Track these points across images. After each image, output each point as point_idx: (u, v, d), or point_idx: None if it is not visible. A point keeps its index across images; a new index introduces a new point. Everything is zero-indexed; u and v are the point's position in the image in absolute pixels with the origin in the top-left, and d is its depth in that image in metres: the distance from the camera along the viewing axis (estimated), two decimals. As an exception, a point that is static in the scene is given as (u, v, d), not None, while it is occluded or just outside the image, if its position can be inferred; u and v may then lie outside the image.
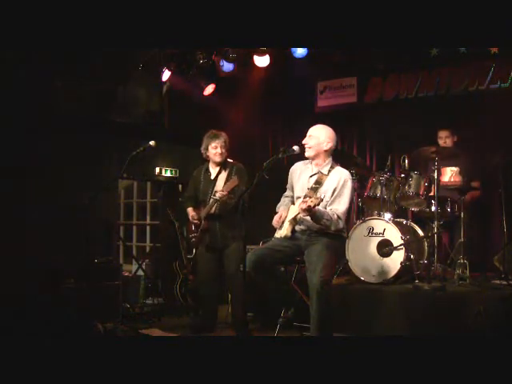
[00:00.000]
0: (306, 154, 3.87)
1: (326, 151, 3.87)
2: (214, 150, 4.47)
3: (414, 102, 5.88)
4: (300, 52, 5.29)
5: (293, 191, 4.03)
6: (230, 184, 4.28)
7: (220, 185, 4.48)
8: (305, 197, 3.71)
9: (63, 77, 5.06)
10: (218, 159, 4.50)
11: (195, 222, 4.52)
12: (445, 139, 5.17)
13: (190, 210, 4.59)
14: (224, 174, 4.54)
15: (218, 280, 4.62)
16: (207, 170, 4.58)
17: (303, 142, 3.86)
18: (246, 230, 3.77)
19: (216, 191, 4.35)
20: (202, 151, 4.56)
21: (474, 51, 5.23)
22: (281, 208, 4.00)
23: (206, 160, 4.61)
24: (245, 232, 3.83)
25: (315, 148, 3.85)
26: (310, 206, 3.44)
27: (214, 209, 4.44)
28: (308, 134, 3.88)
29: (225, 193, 4.27)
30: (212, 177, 4.55)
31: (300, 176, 3.97)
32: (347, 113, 6.34)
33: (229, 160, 4.59)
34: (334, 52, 5.49)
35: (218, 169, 4.55)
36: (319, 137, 3.85)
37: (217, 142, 4.46)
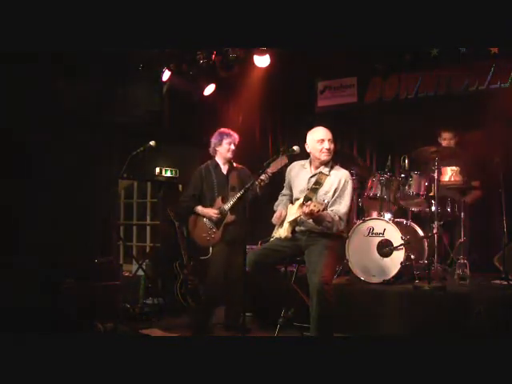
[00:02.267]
0: (326, 159, 3.83)
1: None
2: (228, 145, 4.54)
3: (413, 101, 5.89)
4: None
5: (290, 190, 4.03)
6: (278, 164, 4.07)
7: (234, 181, 4.51)
8: (306, 199, 3.71)
9: (63, 77, 5.06)
10: (230, 155, 4.56)
11: (217, 216, 4.42)
12: (449, 141, 5.18)
13: (200, 208, 4.51)
14: (235, 172, 4.59)
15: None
16: (218, 166, 4.59)
17: (327, 147, 3.79)
18: (246, 229, 3.78)
19: (265, 172, 4.06)
20: (213, 146, 4.58)
21: (474, 51, 5.23)
22: (279, 207, 4.00)
23: (213, 156, 4.63)
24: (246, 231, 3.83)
25: (332, 153, 3.86)
26: (312, 211, 3.44)
27: (236, 201, 4.38)
28: (327, 137, 3.81)
29: (269, 174, 4.11)
30: (224, 172, 4.57)
31: (298, 176, 3.96)
32: (347, 113, 6.34)
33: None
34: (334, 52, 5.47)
35: (227, 166, 4.60)
36: (333, 140, 3.85)
37: (231, 139, 4.55)
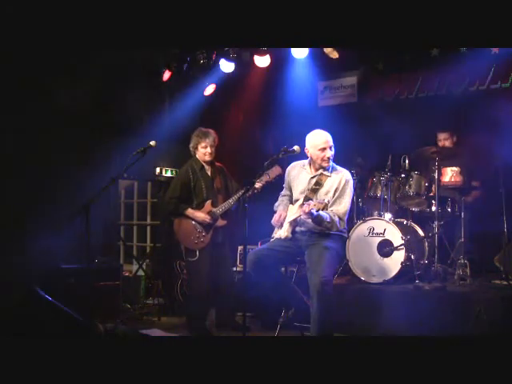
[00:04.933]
0: (327, 165, 3.84)
1: None
2: (204, 149, 4.45)
3: (414, 101, 5.88)
4: (299, 55, 5.30)
5: (290, 191, 4.03)
6: (275, 171, 4.12)
7: (218, 183, 4.48)
8: (306, 199, 3.71)
9: (63, 77, 5.06)
10: (208, 158, 4.48)
11: (210, 221, 4.36)
12: (443, 141, 5.18)
13: (191, 211, 4.41)
14: (218, 173, 4.55)
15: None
16: (203, 168, 4.51)
17: (328, 155, 3.79)
18: (245, 230, 3.74)
19: (260, 180, 4.08)
20: (191, 149, 4.53)
21: (474, 51, 5.23)
22: (280, 207, 4.00)
23: (194, 155, 4.55)
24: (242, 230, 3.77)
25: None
26: (312, 211, 3.44)
27: (229, 207, 4.36)
28: (328, 145, 3.80)
29: (264, 182, 4.11)
30: (209, 174, 4.52)
31: (298, 177, 3.96)
32: (347, 113, 6.33)
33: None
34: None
35: (210, 167, 4.54)
36: (333, 144, 3.85)
37: (206, 141, 4.43)
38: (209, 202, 4.42)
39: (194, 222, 4.41)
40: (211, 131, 4.49)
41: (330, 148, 3.82)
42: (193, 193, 4.47)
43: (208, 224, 4.38)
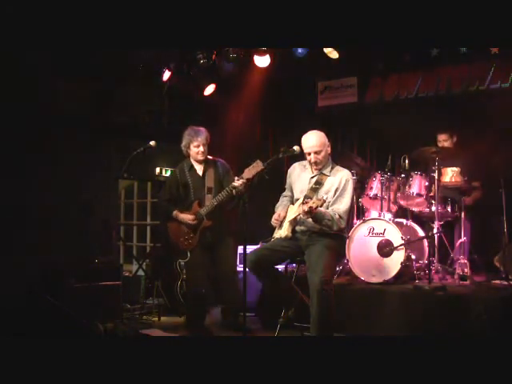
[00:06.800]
0: (316, 167, 3.86)
1: (328, 154, 3.89)
2: (197, 148, 4.40)
3: (414, 101, 5.88)
4: (301, 50, 5.29)
5: (291, 191, 4.03)
6: (253, 169, 3.79)
7: (210, 182, 4.44)
8: (306, 198, 3.72)
9: (63, 77, 5.06)
10: (200, 157, 4.44)
11: (194, 222, 4.36)
12: (443, 142, 5.18)
13: (176, 213, 4.43)
14: (211, 171, 4.48)
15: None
16: (192, 168, 4.49)
17: (313, 160, 3.81)
18: (245, 229, 3.74)
19: (240, 178, 3.92)
20: (183, 148, 4.49)
21: (474, 51, 5.23)
22: (279, 208, 4.00)
23: (187, 157, 4.53)
24: (242, 229, 3.77)
25: (325, 157, 3.86)
26: (311, 208, 3.44)
27: (216, 205, 4.32)
28: (312, 150, 3.80)
29: (244, 180, 3.89)
30: (200, 173, 4.49)
31: (299, 177, 3.97)
32: (347, 113, 6.34)
33: (208, 156, 4.52)
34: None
35: (202, 165, 4.49)
36: (323, 146, 3.83)
37: (198, 140, 4.38)
38: (196, 203, 4.41)
39: (181, 224, 4.42)
40: (203, 129, 4.44)
41: (316, 153, 3.81)
42: (182, 194, 4.48)
43: (194, 225, 4.37)
